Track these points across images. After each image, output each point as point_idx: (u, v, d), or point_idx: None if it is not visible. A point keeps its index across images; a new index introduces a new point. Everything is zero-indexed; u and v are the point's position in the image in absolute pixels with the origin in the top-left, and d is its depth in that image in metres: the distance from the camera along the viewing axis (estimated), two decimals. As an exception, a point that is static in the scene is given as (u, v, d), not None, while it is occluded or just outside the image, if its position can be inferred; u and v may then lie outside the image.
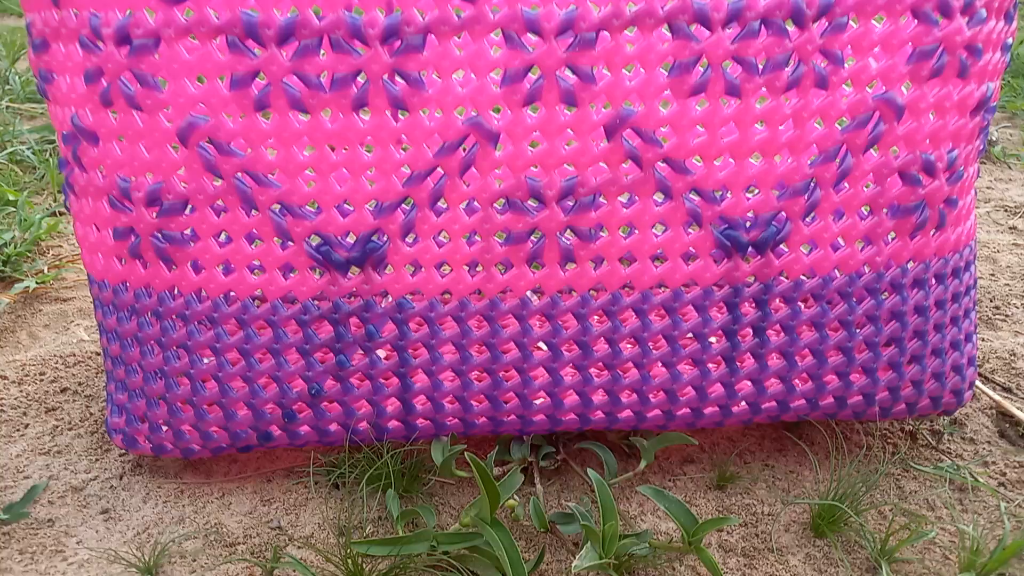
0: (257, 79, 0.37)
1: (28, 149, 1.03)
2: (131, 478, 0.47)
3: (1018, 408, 0.55)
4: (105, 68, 0.37)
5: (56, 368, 0.57)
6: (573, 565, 0.37)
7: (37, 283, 0.68)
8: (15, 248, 0.73)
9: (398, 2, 0.36)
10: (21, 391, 0.55)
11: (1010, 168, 1.26)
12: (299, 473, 0.46)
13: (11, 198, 0.81)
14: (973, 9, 0.39)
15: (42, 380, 0.56)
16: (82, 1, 0.37)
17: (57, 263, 0.74)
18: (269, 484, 0.46)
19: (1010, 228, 0.96)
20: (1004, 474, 0.49)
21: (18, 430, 0.51)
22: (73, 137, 0.40)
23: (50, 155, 1.02)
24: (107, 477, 0.47)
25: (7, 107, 1.26)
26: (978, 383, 0.57)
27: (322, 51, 0.36)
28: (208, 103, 0.37)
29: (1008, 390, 0.58)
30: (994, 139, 1.41)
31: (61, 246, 0.78)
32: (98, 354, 0.60)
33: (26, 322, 0.65)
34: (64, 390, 0.55)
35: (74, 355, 0.59)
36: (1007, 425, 0.54)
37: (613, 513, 0.38)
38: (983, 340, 0.65)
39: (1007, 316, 0.70)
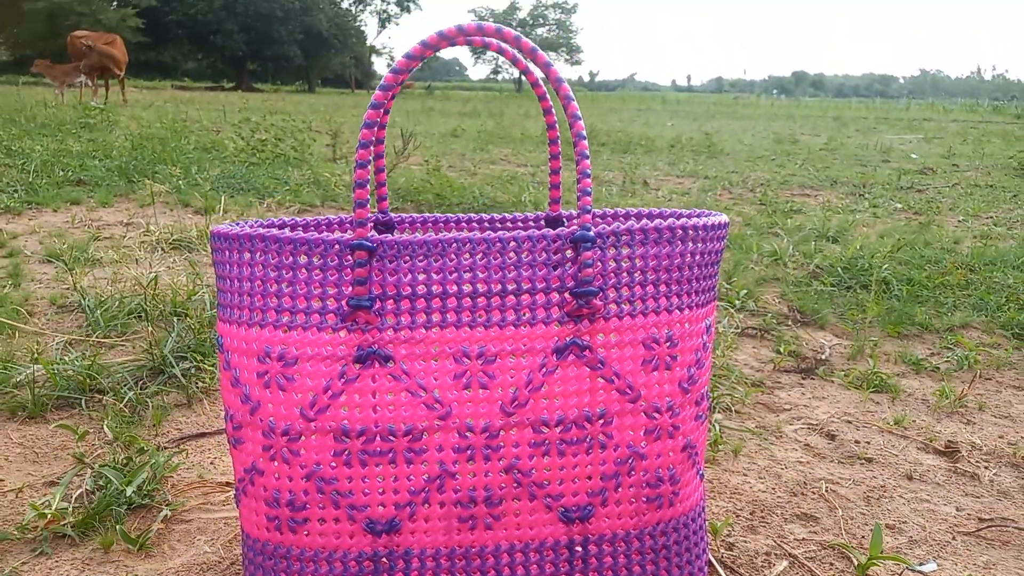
0: (345, 451, 0.82)
1: (127, 388, 1.46)
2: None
3: (743, 589, 0.99)
4: (273, 445, 0.82)
5: (197, 572, 0.98)
6: None
7: (169, 511, 1.10)
8: (149, 484, 1.15)
9: (410, 419, 0.82)
10: (181, 591, 0.96)
11: (831, 384, 1.75)
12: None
13: (143, 447, 1.23)
14: (672, 409, 0.86)
15: (191, 582, 0.97)
16: (264, 414, 0.82)
17: (176, 493, 1.16)
18: (333, 643, 0.87)
19: (804, 446, 1.42)
20: (726, 629, 0.93)
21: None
22: (249, 470, 0.84)
23: (147, 397, 1.45)
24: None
25: (95, 342, 1.70)
26: (724, 573, 1.01)
27: (376, 440, 0.82)
28: (321, 461, 0.82)
29: (747, 576, 1.02)
30: (825, 356, 1.92)
31: (174, 476, 1.20)
32: (218, 562, 1.01)
33: (166, 538, 1.06)
34: (206, 586, 0.96)
35: (204, 563, 1.00)
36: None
37: None
38: (744, 542, 1.10)
39: (766, 523, 1.15)
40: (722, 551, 1.07)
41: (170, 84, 26.69)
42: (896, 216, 4.09)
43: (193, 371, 1.57)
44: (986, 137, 9.40)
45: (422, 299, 0.82)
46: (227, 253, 0.85)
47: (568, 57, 54.70)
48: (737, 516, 1.16)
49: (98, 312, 1.85)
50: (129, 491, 1.11)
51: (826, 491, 1.24)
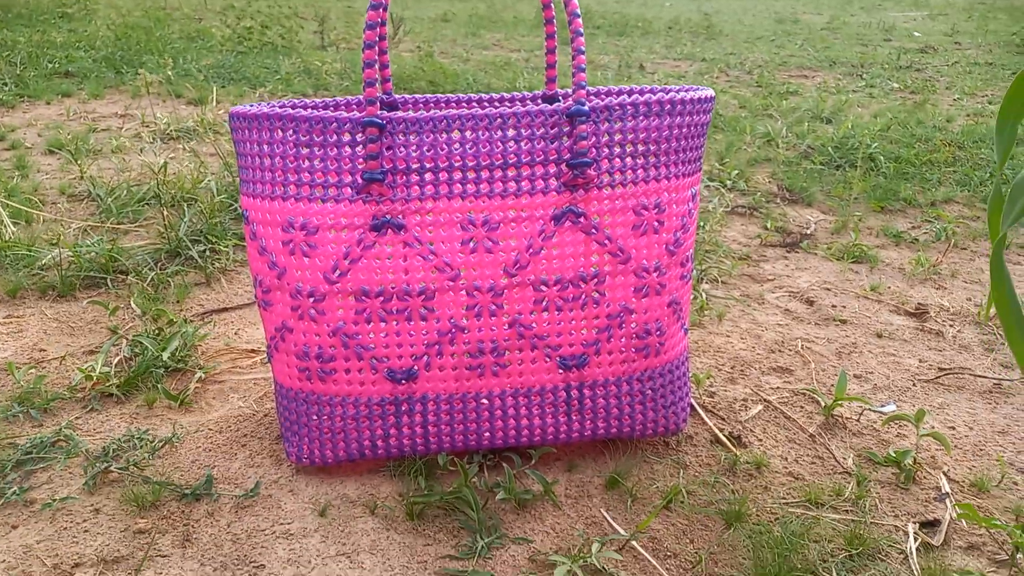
0: (366, 310, 0.91)
1: (147, 268, 1.55)
2: (295, 477, 1.00)
3: (720, 429, 1.12)
4: (300, 306, 0.92)
5: (234, 423, 1.10)
6: (490, 500, 0.93)
7: (204, 373, 1.21)
8: (181, 351, 1.25)
9: (423, 280, 0.91)
10: (223, 436, 1.08)
11: (814, 256, 1.84)
12: (380, 471, 1.01)
13: (172, 318, 1.33)
14: (660, 269, 0.96)
15: (229, 431, 1.09)
16: (291, 279, 0.91)
17: (207, 359, 1.27)
18: (371, 474, 1.00)
19: (784, 311, 1.53)
20: (702, 460, 1.06)
21: (230, 456, 1.04)
22: (280, 328, 0.94)
23: (169, 276, 1.54)
24: (285, 477, 1.00)
25: (110, 228, 1.78)
26: (705, 416, 1.14)
27: (393, 300, 0.91)
28: (344, 319, 0.92)
29: (722, 419, 1.15)
30: (810, 231, 2.01)
31: (203, 344, 1.31)
32: (252, 414, 1.13)
33: (203, 396, 1.18)
34: (244, 435, 1.08)
35: (239, 416, 1.12)
36: (714, 438, 1.10)
37: (511, 479, 0.94)
38: (724, 391, 1.22)
39: (744, 376, 1.27)
40: (704, 398, 1.19)
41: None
42: (892, 96, 4.09)
43: (208, 253, 1.65)
44: (992, 13, 9.16)
45: (430, 172, 0.89)
46: (247, 132, 0.91)
47: (561, -68, 51.98)
48: (719, 370, 1.28)
49: (109, 200, 1.91)
50: (165, 356, 1.22)
51: (801, 348, 1.36)
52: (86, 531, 0.89)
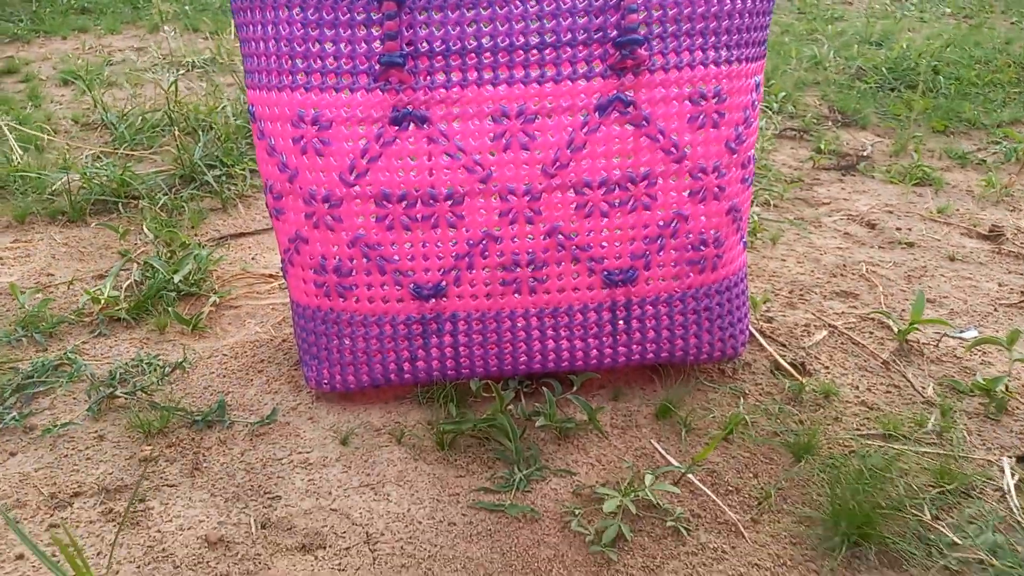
0: (388, 216, 0.81)
1: (161, 193, 1.47)
2: (316, 404, 0.92)
3: (781, 355, 1.01)
4: (315, 212, 0.82)
5: (250, 348, 1.02)
6: (537, 424, 0.83)
7: (218, 297, 1.13)
8: (195, 275, 1.17)
9: (450, 182, 0.80)
10: (238, 362, 1.00)
11: (872, 179, 1.70)
12: (406, 398, 0.92)
13: (184, 241, 1.25)
14: (719, 170, 0.84)
15: (245, 356, 1.01)
16: (304, 182, 0.81)
17: (222, 284, 1.18)
18: (397, 401, 0.91)
19: (844, 234, 1.40)
20: (763, 389, 0.95)
21: (245, 383, 0.96)
22: (294, 239, 0.85)
23: (184, 200, 1.45)
24: (305, 403, 0.92)
25: (123, 154, 1.69)
26: (764, 342, 1.03)
27: (417, 204, 0.81)
28: (365, 227, 0.82)
29: (784, 345, 1.04)
30: (866, 153, 1.86)
31: (218, 269, 1.22)
32: (269, 340, 1.04)
33: (217, 322, 1.09)
34: (261, 360, 1.00)
35: (256, 342, 1.04)
36: (776, 365, 1.00)
37: (553, 406, 0.84)
38: (783, 316, 1.11)
39: (805, 300, 1.16)
40: (761, 323, 1.08)
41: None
42: (944, 20, 3.83)
43: (224, 178, 1.56)
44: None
45: (456, 55, 0.77)
46: (250, 13, 0.80)
47: None
48: (776, 295, 1.17)
49: (123, 127, 1.82)
50: (177, 279, 1.13)
51: (866, 271, 1.24)
52: (88, 459, 0.82)
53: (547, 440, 0.86)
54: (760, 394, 0.94)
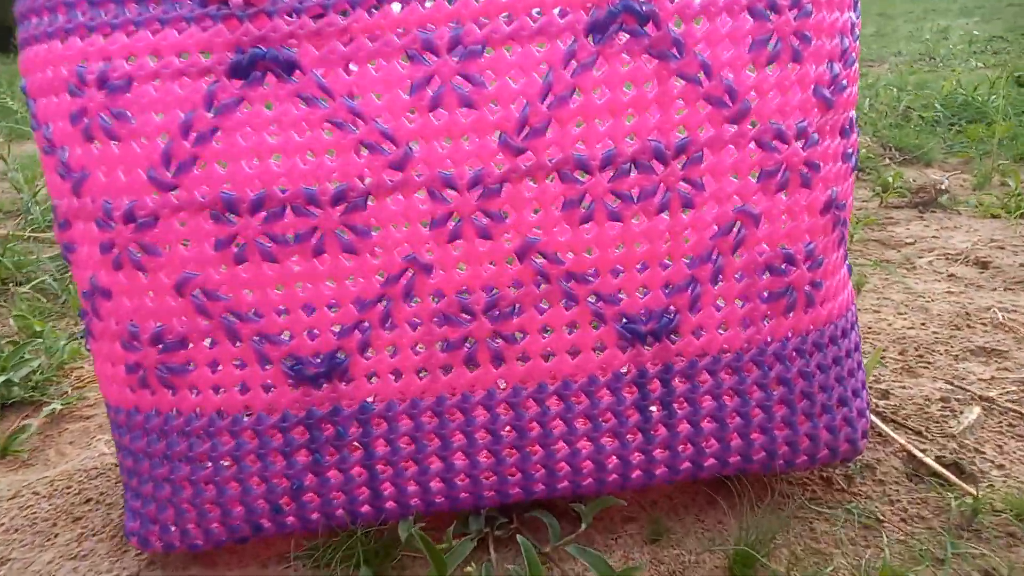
0: (236, 239, 0.47)
1: (50, 276, 1.14)
2: (147, 573, 0.55)
3: (922, 450, 0.62)
4: (116, 241, 0.47)
5: (81, 481, 0.66)
6: None
7: (62, 405, 0.78)
8: (42, 374, 0.82)
9: (341, 173, 0.46)
10: (51, 504, 0.63)
11: (958, 215, 1.34)
12: (289, 558, 0.54)
13: (38, 329, 0.91)
14: (807, 135, 0.49)
15: (69, 493, 0.64)
16: (98, 191, 0.47)
17: (80, 384, 0.83)
18: (264, 570, 0.54)
19: (948, 276, 1.04)
20: (906, 510, 0.57)
21: (49, 539, 0.59)
22: (91, 293, 0.50)
23: (69, 282, 1.12)
24: (126, 574, 0.55)
25: (29, 237, 1.38)
26: (887, 428, 0.65)
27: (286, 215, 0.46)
28: (197, 261, 0.47)
29: (919, 434, 0.65)
30: (944, 187, 1.50)
31: (83, 367, 0.88)
32: (117, 466, 0.68)
33: (54, 440, 0.74)
34: (88, 500, 0.63)
35: (96, 468, 0.68)
36: (916, 467, 0.61)
37: (538, 569, 0.46)
38: (903, 388, 0.73)
39: (929, 363, 0.78)
40: (875, 402, 0.70)
41: None
42: (979, 72, 3.56)
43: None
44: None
45: (342, -46, 0.45)
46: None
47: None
48: (882, 359, 0.79)
49: (39, 209, 1.53)
50: (14, 378, 0.79)
51: (1003, 319, 0.86)
52: None
53: (539, 627, 0.47)
54: (903, 519, 0.56)
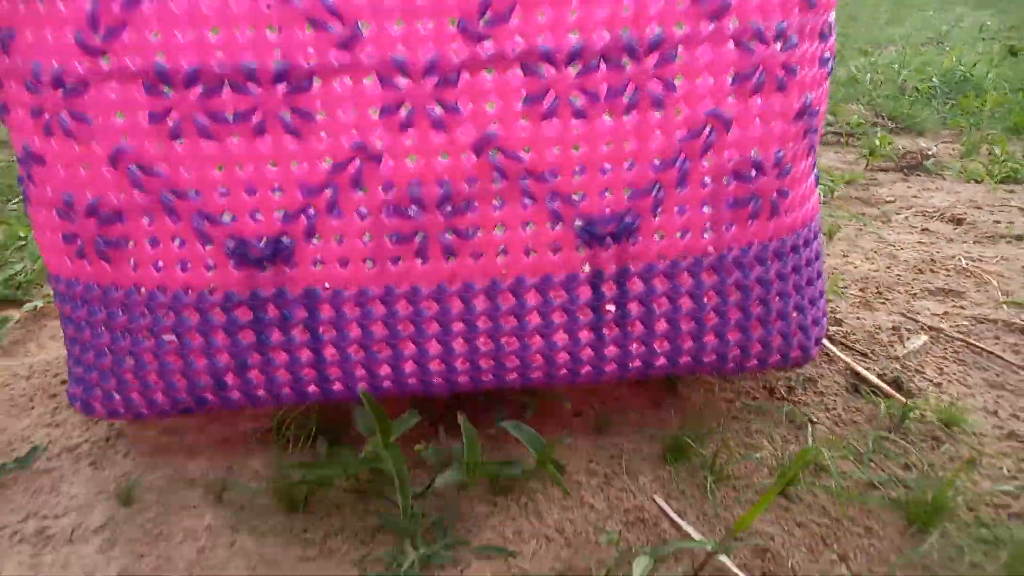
0: (170, 114, 0.44)
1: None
2: (116, 441, 0.56)
3: (866, 369, 0.64)
4: (45, 106, 0.44)
5: (59, 366, 0.66)
6: (435, 481, 0.48)
7: (44, 302, 0.77)
8: (26, 276, 0.81)
9: (285, 50, 0.42)
10: (29, 383, 0.64)
11: (942, 179, 1.29)
12: (252, 432, 0.56)
13: (22, 235, 0.89)
14: (785, 36, 0.45)
15: (47, 375, 0.65)
16: (26, 51, 0.44)
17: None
18: (225, 441, 0.56)
19: (922, 230, 1.01)
20: (840, 416, 0.58)
21: (25, 410, 0.60)
22: (26, 159, 0.47)
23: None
24: (95, 440, 0.56)
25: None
26: (835, 349, 0.66)
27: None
28: (131, 133, 0.44)
29: (865, 355, 0.66)
30: (931, 152, 1.44)
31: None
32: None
33: (35, 335, 0.73)
34: (64, 381, 0.64)
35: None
36: (857, 382, 0.63)
37: (474, 442, 0.48)
38: (857, 319, 0.73)
39: (887, 300, 0.78)
40: (829, 328, 0.71)
41: None
42: (986, 54, 3.31)
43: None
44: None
45: None
46: None
47: None
48: (841, 294, 0.79)
49: None
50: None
51: (967, 265, 0.86)
52: None
53: (475, 498, 0.50)
54: (836, 423, 0.58)
